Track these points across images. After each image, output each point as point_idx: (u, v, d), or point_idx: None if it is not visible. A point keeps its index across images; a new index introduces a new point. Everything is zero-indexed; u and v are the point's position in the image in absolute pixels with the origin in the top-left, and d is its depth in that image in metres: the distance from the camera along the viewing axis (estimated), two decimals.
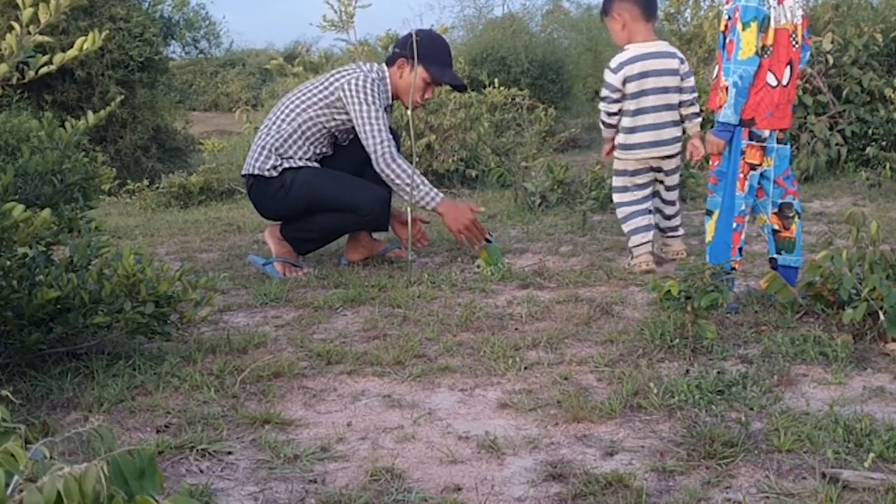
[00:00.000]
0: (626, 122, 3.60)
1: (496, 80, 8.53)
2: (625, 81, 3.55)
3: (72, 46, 2.05)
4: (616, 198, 3.72)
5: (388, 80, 3.73)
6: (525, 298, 3.20)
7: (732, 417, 2.04)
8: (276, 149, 3.69)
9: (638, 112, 3.57)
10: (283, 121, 3.71)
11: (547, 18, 15.17)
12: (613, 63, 3.59)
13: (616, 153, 3.69)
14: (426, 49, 3.66)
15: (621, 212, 3.70)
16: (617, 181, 3.71)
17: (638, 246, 3.63)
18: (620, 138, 3.65)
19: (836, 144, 6.18)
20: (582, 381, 2.35)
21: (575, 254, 3.96)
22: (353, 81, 3.63)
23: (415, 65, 3.63)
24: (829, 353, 2.44)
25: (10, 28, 1.98)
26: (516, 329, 2.84)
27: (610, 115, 3.63)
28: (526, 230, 4.62)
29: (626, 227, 3.69)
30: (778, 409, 2.09)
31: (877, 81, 6.25)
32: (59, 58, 2.03)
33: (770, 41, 2.84)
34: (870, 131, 6.22)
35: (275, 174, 3.69)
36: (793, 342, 2.53)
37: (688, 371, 2.36)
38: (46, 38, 1.98)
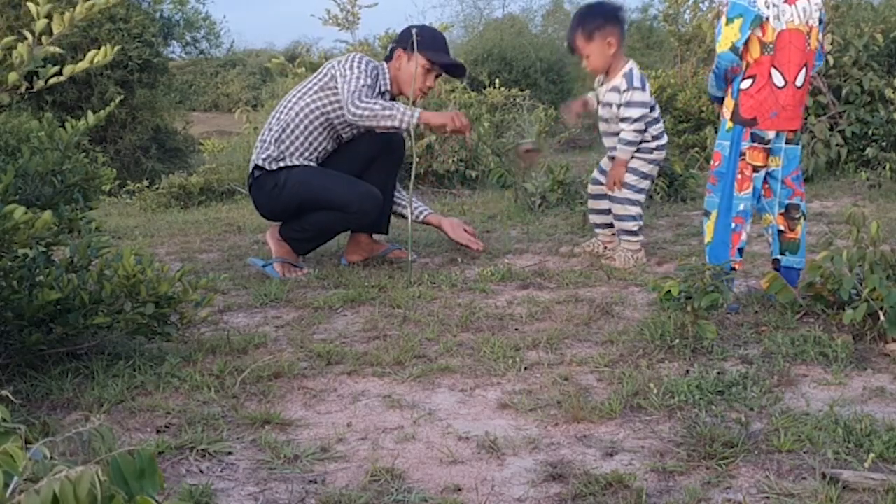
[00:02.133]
0: (656, 128, 3.77)
1: (497, 81, 8.54)
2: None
3: (72, 46, 2.05)
4: (637, 197, 3.79)
5: (386, 73, 3.75)
6: (525, 299, 3.20)
7: (732, 418, 2.04)
8: (275, 139, 3.71)
9: (659, 117, 3.82)
10: (282, 112, 3.75)
11: (547, 19, 15.19)
12: (637, 81, 3.70)
13: (644, 156, 3.77)
14: (422, 37, 3.69)
15: (635, 212, 3.79)
16: (643, 184, 3.82)
17: (638, 242, 3.81)
18: (652, 144, 3.77)
19: (836, 145, 6.18)
20: (582, 381, 2.35)
21: (575, 254, 3.96)
22: (344, 59, 3.70)
23: (414, 55, 3.64)
24: (829, 353, 2.44)
25: (11, 29, 1.98)
26: (516, 329, 2.84)
27: (640, 132, 3.71)
28: (526, 231, 4.62)
29: (633, 226, 3.79)
30: (778, 409, 2.09)
31: (877, 82, 6.25)
32: (68, 69, 2.04)
33: (770, 39, 2.85)
34: (870, 132, 6.23)
35: (271, 167, 3.70)
36: (793, 342, 2.53)
37: (688, 371, 2.36)
38: (59, 50, 1.98)
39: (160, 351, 2.62)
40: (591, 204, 4.00)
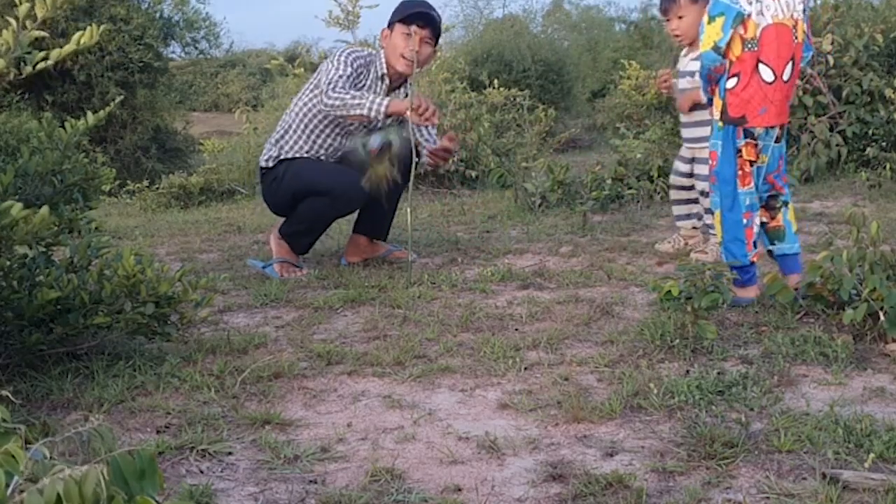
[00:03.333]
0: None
1: (496, 81, 8.53)
2: None
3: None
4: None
5: (381, 58, 3.75)
6: (525, 299, 3.20)
7: (733, 418, 2.04)
8: (277, 141, 3.78)
9: None
10: (287, 114, 3.81)
11: (547, 19, 15.18)
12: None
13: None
14: (398, 8, 3.74)
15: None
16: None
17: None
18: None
19: (837, 145, 6.18)
20: (582, 381, 2.35)
21: (575, 254, 3.96)
22: (331, 56, 3.73)
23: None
24: (829, 353, 2.44)
25: (8, 25, 1.98)
26: (516, 329, 2.84)
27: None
28: (526, 231, 4.62)
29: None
30: (778, 409, 2.09)
31: (877, 82, 6.25)
32: (55, 53, 2.02)
33: (752, 35, 2.84)
34: (870, 132, 6.22)
35: (271, 164, 3.76)
36: (793, 342, 2.53)
37: (688, 371, 2.36)
38: (43, 33, 1.97)
39: (160, 351, 2.62)
40: (674, 195, 4.00)
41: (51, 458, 1.06)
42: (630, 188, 5.37)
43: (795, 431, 1.92)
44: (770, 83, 2.87)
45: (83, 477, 0.97)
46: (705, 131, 3.79)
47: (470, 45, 11.62)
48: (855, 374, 2.34)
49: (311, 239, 3.87)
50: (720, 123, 2.94)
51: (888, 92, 6.04)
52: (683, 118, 3.89)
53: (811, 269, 2.75)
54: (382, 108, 3.48)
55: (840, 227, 4.26)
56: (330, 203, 3.67)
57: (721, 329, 2.71)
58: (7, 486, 0.99)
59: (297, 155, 3.74)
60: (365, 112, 3.49)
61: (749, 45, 2.84)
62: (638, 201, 5.33)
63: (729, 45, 2.85)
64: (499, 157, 6.55)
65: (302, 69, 6.92)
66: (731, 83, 2.89)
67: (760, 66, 2.86)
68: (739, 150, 2.93)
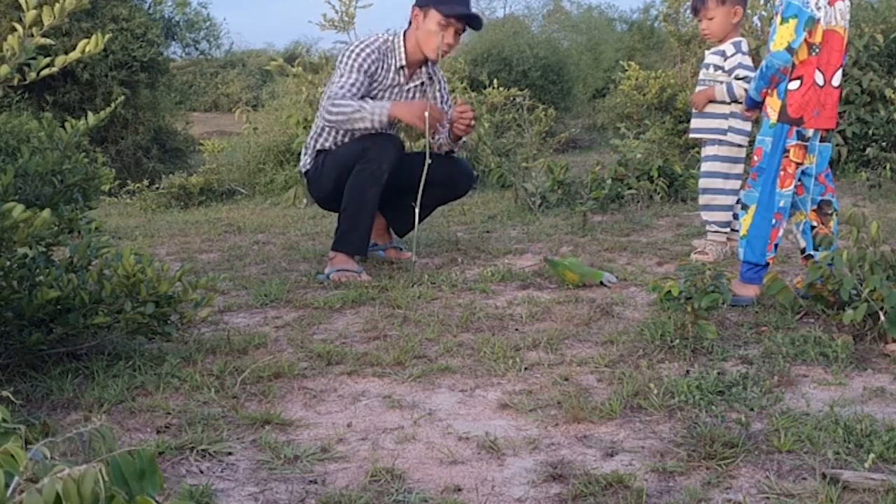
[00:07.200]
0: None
1: (496, 81, 8.53)
2: None
3: (74, 48, 2.05)
4: (729, 185, 3.84)
5: (400, 42, 3.63)
6: (525, 299, 3.20)
7: (733, 418, 2.04)
8: (313, 145, 3.75)
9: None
10: (317, 117, 3.69)
11: (547, 19, 15.19)
12: (745, 49, 3.80)
13: (733, 139, 3.83)
14: None
15: (727, 202, 3.84)
16: (735, 170, 3.86)
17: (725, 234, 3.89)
18: (740, 123, 3.76)
19: (837, 145, 6.18)
20: (582, 381, 2.35)
21: (575, 254, 3.96)
22: (343, 52, 3.64)
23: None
24: (829, 353, 2.44)
25: (13, 29, 1.98)
26: (516, 329, 2.84)
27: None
28: (526, 231, 4.62)
29: (723, 217, 3.84)
30: (778, 409, 2.09)
31: (877, 82, 6.25)
32: (60, 60, 2.03)
33: (817, 40, 2.89)
34: (870, 132, 6.23)
35: (309, 163, 3.77)
36: (793, 343, 2.53)
37: (688, 372, 2.36)
38: (49, 41, 1.98)
39: (160, 351, 2.62)
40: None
41: (51, 458, 1.06)
42: (630, 188, 5.37)
43: (795, 431, 1.92)
44: (822, 87, 2.92)
45: (82, 476, 0.97)
46: (712, 123, 3.83)
47: (470, 45, 11.62)
48: (855, 374, 2.34)
49: (359, 233, 3.62)
50: (772, 121, 2.96)
51: (888, 92, 6.04)
52: (698, 90, 3.92)
53: (811, 269, 2.75)
54: (384, 118, 3.43)
55: (840, 227, 4.26)
56: (368, 163, 3.49)
57: (721, 329, 2.71)
58: (7, 486, 0.99)
59: (336, 144, 3.69)
60: (368, 125, 3.44)
61: (813, 50, 2.90)
62: (638, 201, 5.33)
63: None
64: (499, 157, 6.55)
65: (301, 69, 6.91)
66: (794, 85, 2.92)
67: (816, 70, 2.91)
68: (787, 151, 2.96)
